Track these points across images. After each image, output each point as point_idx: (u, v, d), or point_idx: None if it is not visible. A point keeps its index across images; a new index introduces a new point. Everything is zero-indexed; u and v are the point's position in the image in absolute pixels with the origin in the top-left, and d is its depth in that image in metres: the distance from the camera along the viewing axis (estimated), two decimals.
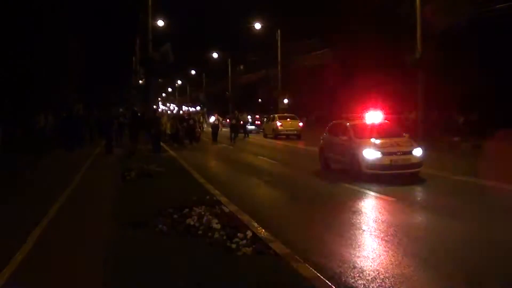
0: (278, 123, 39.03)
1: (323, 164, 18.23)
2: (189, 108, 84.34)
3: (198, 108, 77.27)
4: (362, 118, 17.31)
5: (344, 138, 16.63)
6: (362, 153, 15.21)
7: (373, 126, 16.98)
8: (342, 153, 16.61)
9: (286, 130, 38.76)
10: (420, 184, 14.66)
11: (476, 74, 28.67)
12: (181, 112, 69.15)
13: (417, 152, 15.30)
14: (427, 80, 28.20)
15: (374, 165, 15.04)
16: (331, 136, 18.10)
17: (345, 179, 15.20)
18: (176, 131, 31.91)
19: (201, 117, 43.46)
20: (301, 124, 39.96)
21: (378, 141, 15.65)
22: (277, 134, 38.70)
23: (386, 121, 17.91)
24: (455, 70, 29.65)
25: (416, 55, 27.51)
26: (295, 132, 38.56)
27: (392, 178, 14.87)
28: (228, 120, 46.91)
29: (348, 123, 17.20)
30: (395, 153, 15.15)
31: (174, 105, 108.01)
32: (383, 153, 15.07)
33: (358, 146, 15.63)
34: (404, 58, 29.66)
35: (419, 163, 15.28)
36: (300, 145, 31.88)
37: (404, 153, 15.20)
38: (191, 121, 34.20)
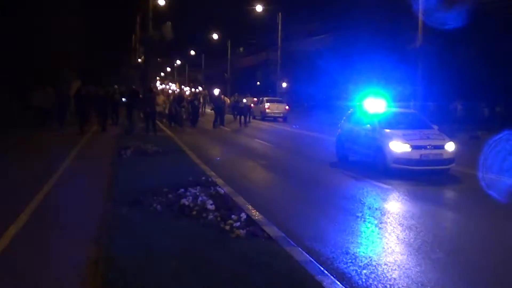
0: (266, 106, 40.95)
1: (341, 155, 16.66)
2: (193, 88, 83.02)
3: (200, 88, 76.47)
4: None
5: (368, 127, 15.01)
6: (388, 146, 13.72)
7: (400, 115, 15.87)
8: (365, 144, 14.95)
9: (273, 113, 40.79)
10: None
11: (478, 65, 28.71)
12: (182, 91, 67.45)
13: (450, 146, 13.81)
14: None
15: (402, 160, 13.52)
16: (351, 125, 16.33)
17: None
18: (176, 112, 30.60)
19: (202, 99, 43.02)
20: (287, 107, 41.81)
21: (406, 133, 14.16)
22: (264, 116, 40.47)
23: (412, 110, 16.72)
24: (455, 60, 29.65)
25: (416, 44, 27.37)
26: (281, 114, 40.78)
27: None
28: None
29: (372, 111, 15.40)
30: (425, 147, 13.66)
31: (173, 85, 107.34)
32: (412, 147, 13.55)
33: (384, 137, 14.11)
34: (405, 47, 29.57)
35: (451, 159, 13.81)
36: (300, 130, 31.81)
37: (435, 147, 13.72)
38: (196, 102, 32.67)
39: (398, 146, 13.61)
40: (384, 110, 15.41)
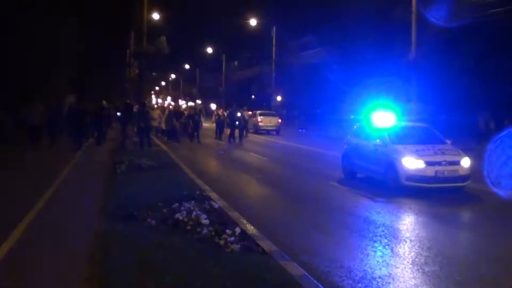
0: (259, 119, 40.93)
1: (348, 172, 15.79)
2: (189, 102, 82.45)
3: (198, 102, 76.11)
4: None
5: (377, 142, 14.18)
6: (401, 162, 12.98)
7: (411, 129, 15.18)
8: (374, 160, 14.24)
9: (266, 126, 40.91)
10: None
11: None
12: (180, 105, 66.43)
13: (465, 162, 13.13)
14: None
15: (416, 177, 12.79)
16: (359, 140, 15.57)
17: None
18: (172, 127, 29.90)
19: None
20: (279, 120, 41.92)
21: (419, 148, 13.43)
22: (258, 129, 40.36)
23: (424, 124, 15.88)
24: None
25: (410, 57, 27.40)
26: (274, 127, 40.96)
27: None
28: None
29: (381, 125, 14.53)
30: (440, 163, 12.94)
31: (170, 98, 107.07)
32: (426, 163, 12.84)
33: (396, 153, 13.37)
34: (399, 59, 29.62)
35: (467, 176, 13.09)
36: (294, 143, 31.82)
37: (451, 163, 13.00)
38: (196, 117, 31.17)
39: (411, 162, 12.88)
40: (394, 124, 14.60)
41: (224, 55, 73.20)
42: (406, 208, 11.59)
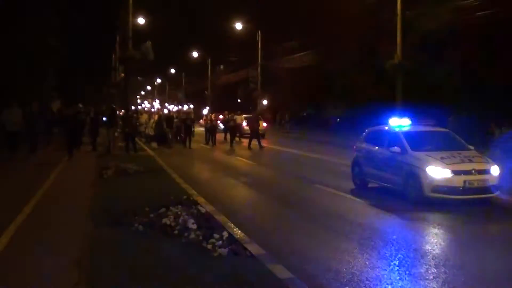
0: (244, 123, 38.59)
1: (358, 181, 14.50)
2: (179, 106, 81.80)
3: (191, 106, 75.74)
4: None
5: (395, 150, 12.77)
6: (425, 171, 11.71)
7: (430, 134, 13.83)
8: (391, 169, 12.98)
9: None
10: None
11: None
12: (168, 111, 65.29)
13: (495, 170, 11.97)
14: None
15: (443, 188, 11.55)
16: (371, 146, 14.32)
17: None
18: (163, 133, 29.29)
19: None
20: (264, 124, 40.39)
21: (444, 155, 12.13)
22: (242, 133, 38.15)
23: (443, 128, 14.60)
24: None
25: (395, 61, 27.37)
26: (259, 131, 39.40)
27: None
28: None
29: (399, 130, 13.35)
30: (469, 172, 11.70)
31: (158, 102, 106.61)
32: (454, 172, 11.60)
33: (418, 161, 12.09)
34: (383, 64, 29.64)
35: (497, 186, 11.88)
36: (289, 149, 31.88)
37: (480, 172, 11.79)
38: (188, 122, 30.38)
39: (437, 172, 11.62)
40: (411, 129, 13.51)
41: (209, 59, 73.18)
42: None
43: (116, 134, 25.17)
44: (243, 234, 8.61)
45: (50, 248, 8.03)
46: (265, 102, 55.65)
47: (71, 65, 38.85)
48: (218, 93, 76.55)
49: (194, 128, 32.16)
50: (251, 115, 34.50)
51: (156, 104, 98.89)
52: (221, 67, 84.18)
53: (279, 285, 6.28)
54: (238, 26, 56.10)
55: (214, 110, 50.01)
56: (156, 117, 31.72)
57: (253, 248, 7.75)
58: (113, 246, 7.80)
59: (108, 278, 6.36)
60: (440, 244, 9.07)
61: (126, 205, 10.60)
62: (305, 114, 59.85)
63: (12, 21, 27.09)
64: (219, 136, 34.41)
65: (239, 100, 74.04)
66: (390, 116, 14.06)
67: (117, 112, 28.92)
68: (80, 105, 23.26)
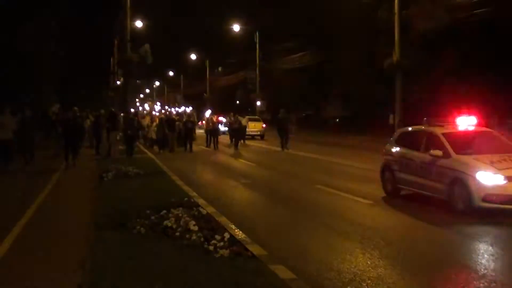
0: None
1: (390, 188, 12.99)
2: (180, 109, 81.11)
3: (191, 108, 75.37)
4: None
5: (436, 153, 11.33)
6: (475, 177, 10.36)
7: (473, 136, 12.26)
8: (431, 175, 11.54)
9: (251, 131, 40.31)
10: None
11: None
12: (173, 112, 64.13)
13: None
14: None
15: (496, 196, 10.21)
16: (405, 150, 12.83)
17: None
18: (164, 136, 28.56)
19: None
20: (264, 125, 41.96)
21: (494, 159, 10.75)
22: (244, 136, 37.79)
23: (486, 128, 13.00)
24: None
25: (393, 59, 27.35)
26: (259, 132, 41.07)
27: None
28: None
29: (440, 132, 11.89)
30: None
31: (159, 104, 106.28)
32: (508, 178, 10.23)
33: (465, 165, 10.73)
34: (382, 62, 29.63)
35: None
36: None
37: None
38: (189, 124, 29.64)
39: (489, 178, 10.29)
40: (452, 129, 12.13)
41: (207, 61, 73.24)
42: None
43: (117, 137, 25.16)
44: (244, 235, 8.62)
45: (53, 250, 8.07)
46: (262, 102, 55.87)
47: (71, 69, 38.89)
48: (216, 95, 76.56)
49: (195, 130, 31.62)
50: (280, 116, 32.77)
51: (157, 107, 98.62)
52: (220, 69, 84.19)
53: (282, 285, 6.29)
54: (236, 28, 56.19)
55: (213, 112, 49.81)
56: (157, 120, 31.34)
57: (255, 249, 7.76)
58: (115, 249, 7.82)
59: (110, 280, 6.37)
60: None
61: (127, 208, 10.60)
62: (304, 114, 59.93)
63: (13, 27, 27.16)
64: (226, 139, 34.22)
65: (237, 102, 74.07)
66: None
67: (117, 115, 28.75)
68: (75, 108, 22.52)
